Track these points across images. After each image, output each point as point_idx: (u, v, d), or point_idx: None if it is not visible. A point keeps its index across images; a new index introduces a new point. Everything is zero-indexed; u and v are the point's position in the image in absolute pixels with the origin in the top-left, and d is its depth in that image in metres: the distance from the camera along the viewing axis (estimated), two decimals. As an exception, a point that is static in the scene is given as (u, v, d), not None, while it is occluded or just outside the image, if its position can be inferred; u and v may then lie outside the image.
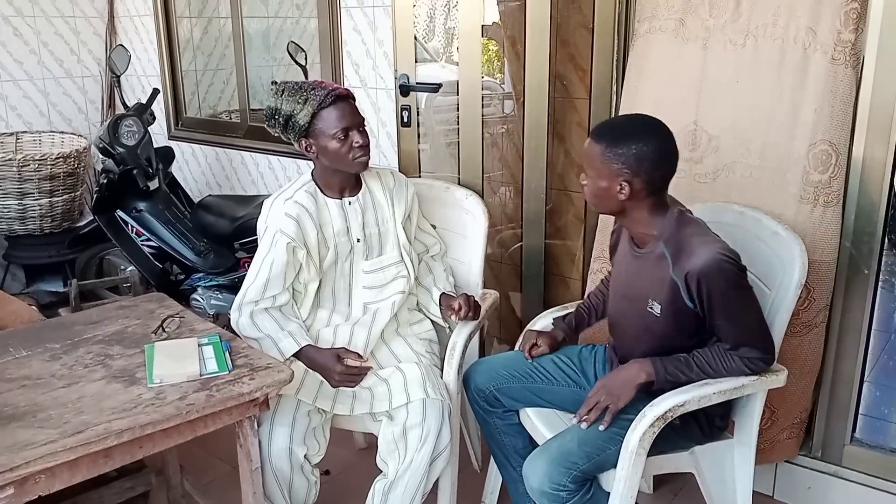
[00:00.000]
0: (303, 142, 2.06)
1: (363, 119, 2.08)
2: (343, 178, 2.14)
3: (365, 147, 2.05)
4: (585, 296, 2.29)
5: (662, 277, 1.79)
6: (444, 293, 2.28)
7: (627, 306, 1.94)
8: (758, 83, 2.14)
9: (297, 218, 2.07)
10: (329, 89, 2.02)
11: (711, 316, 1.75)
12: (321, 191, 2.14)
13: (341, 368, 2.03)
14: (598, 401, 1.83)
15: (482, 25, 2.86)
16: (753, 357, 1.80)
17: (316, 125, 2.02)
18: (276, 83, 3.06)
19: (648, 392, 1.82)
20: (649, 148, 1.74)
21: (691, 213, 1.86)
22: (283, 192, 2.14)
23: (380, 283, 2.21)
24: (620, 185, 1.76)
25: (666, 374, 1.80)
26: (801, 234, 2.05)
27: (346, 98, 2.05)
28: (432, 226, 2.42)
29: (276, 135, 2.13)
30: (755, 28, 2.13)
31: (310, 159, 2.14)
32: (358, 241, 2.17)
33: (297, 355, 2.06)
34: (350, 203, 2.16)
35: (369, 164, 2.11)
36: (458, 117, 2.96)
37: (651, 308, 1.84)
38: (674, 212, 1.81)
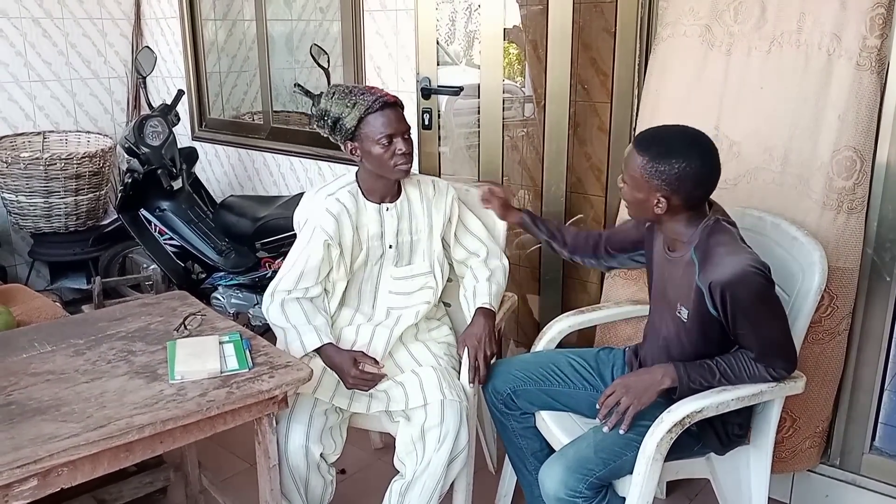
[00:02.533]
0: (348, 144, 2.10)
1: (409, 127, 2.10)
2: (385, 185, 2.16)
3: (407, 155, 2.08)
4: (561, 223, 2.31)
5: (689, 283, 1.78)
6: (480, 307, 2.21)
7: (662, 310, 1.93)
8: (782, 89, 2.13)
9: (337, 217, 2.11)
10: (378, 95, 2.06)
11: (735, 326, 1.74)
12: (363, 193, 2.17)
13: (356, 373, 2.04)
14: (618, 400, 1.82)
15: (504, 29, 2.87)
16: (777, 367, 1.79)
17: (362, 129, 2.06)
18: (298, 84, 3.09)
19: (668, 397, 1.82)
20: (693, 167, 1.70)
21: (730, 221, 1.83)
22: (326, 186, 2.18)
23: (406, 291, 2.24)
24: (658, 199, 1.74)
25: (689, 381, 1.79)
26: (825, 240, 2.04)
27: (393, 105, 2.07)
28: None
29: (324, 136, 2.17)
30: (780, 34, 2.12)
31: (354, 163, 2.18)
32: (390, 247, 2.20)
33: (317, 351, 2.08)
34: (388, 209, 2.18)
35: (412, 172, 2.15)
36: (478, 120, 2.98)
37: (679, 313, 1.83)
38: (710, 219, 1.79)
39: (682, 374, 1.79)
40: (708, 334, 1.81)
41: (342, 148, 2.14)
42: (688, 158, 1.70)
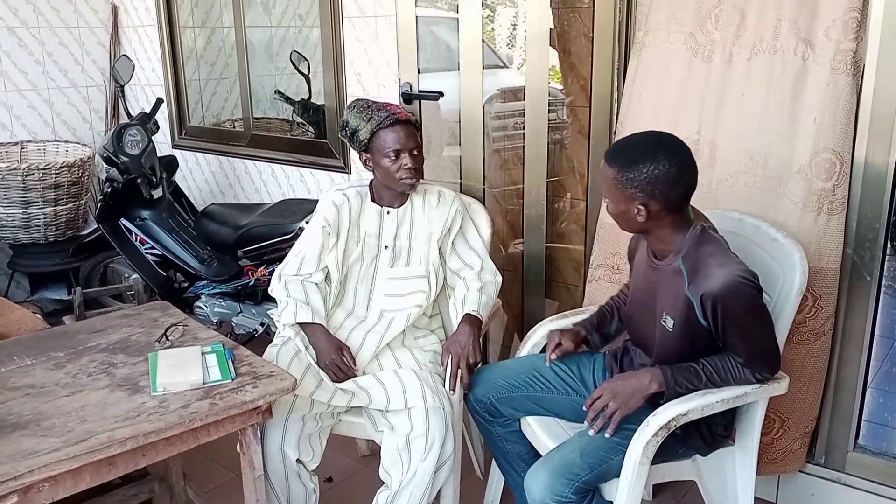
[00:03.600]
0: (363, 155, 2.22)
1: (419, 144, 2.20)
2: (393, 194, 2.27)
3: (413, 170, 2.17)
4: (609, 298, 2.23)
5: (677, 293, 1.78)
6: (468, 314, 2.24)
7: (645, 316, 1.94)
8: (762, 94, 2.15)
9: (339, 207, 2.25)
10: (390, 112, 2.17)
11: (725, 336, 1.75)
12: (371, 196, 2.28)
13: (335, 357, 2.13)
14: (605, 404, 1.82)
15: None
16: (763, 371, 1.81)
17: (374, 143, 2.17)
18: (278, 91, 3.08)
19: (654, 401, 1.82)
20: (662, 170, 1.70)
21: (715, 230, 1.84)
22: (342, 185, 2.35)
23: (400, 293, 2.27)
24: (637, 208, 1.75)
25: (676, 386, 1.80)
26: (806, 242, 2.06)
27: (404, 123, 2.17)
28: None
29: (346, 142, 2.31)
30: (759, 40, 2.14)
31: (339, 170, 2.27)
32: (386, 247, 2.27)
33: (307, 329, 2.19)
34: (388, 212, 2.27)
35: (422, 179, 2.25)
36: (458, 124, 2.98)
37: (664, 322, 1.83)
38: (696, 228, 1.79)
39: (668, 379, 1.80)
40: (695, 343, 1.81)
41: (359, 157, 2.26)
42: (654, 161, 1.70)
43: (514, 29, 3.56)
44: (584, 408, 1.87)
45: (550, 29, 2.69)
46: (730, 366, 1.80)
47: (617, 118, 2.48)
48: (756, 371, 1.80)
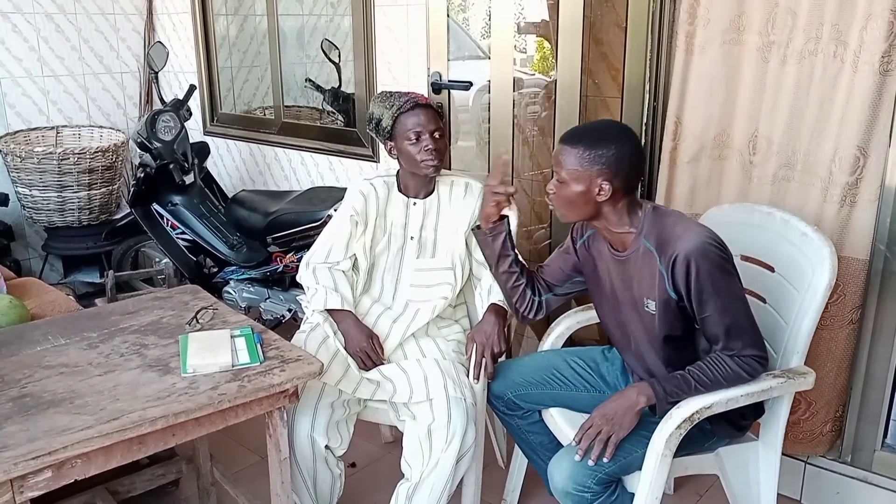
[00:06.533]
0: (388, 144, 2.22)
1: (440, 126, 2.19)
2: (419, 183, 2.26)
3: (435, 151, 2.15)
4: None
5: (651, 273, 1.79)
6: (493, 303, 2.23)
7: (628, 313, 1.91)
8: (806, 93, 2.16)
9: (366, 196, 2.25)
10: (410, 97, 2.18)
11: (701, 306, 1.72)
12: (398, 187, 2.28)
13: (366, 345, 2.14)
14: (598, 431, 1.78)
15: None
16: (746, 355, 1.75)
17: (396, 128, 2.17)
18: (309, 80, 3.09)
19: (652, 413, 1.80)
20: (626, 149, 1.76)
21: (662, 206, 1.87)
22: (369, 175, 2.34)
23: (426, 284, 2.28)
24: (600, 186, 1.76)
25: (666, 395, 1.77)
26: (831, 232, 2.07)
27: (424, 106, 2.17)
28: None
29: (374, 137, 2.33)
30: (806, 41, 2.14)
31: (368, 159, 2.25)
32: (412, 238, 2.27)
33: (335, 315, 2.20)
34: (415, 203, 2.27)
35: (448, 170, 2.25)
36: (488, 116, 2.97)
37: (648, 308, 1.83)
38: (647, 207, 1.83)
39: (658, 391, 1.77)
40: (673, 322, 1.80)
41: (384, 148, 2.26)
42: (621, 141, 1.77)
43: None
44: (574, 440, 1.82)
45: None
46: (716, 363, 1.76)
47: (664, 113, 2.44)
48: (738, 356, 1.75)
